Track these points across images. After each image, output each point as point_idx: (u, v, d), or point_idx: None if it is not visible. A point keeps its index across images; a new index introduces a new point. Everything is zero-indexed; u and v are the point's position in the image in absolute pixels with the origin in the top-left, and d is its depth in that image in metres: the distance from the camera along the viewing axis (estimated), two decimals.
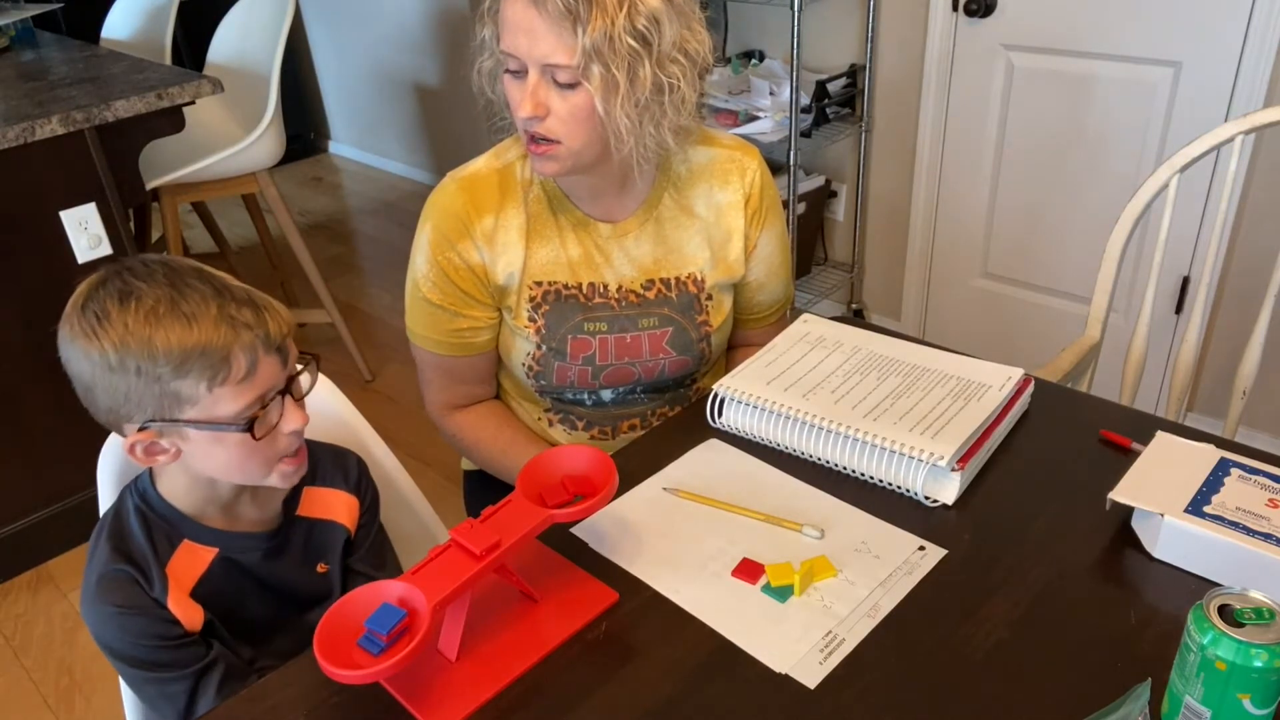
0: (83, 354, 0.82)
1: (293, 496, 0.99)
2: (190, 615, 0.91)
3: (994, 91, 2.33)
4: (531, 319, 1.15)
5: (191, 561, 0.92)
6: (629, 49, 0.96)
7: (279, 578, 0.97)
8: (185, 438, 0.85)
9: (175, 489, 0.92)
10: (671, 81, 1.02)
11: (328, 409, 1.12)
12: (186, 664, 0.90)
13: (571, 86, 0.98)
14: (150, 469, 0.93)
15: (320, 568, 0.99)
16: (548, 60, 0.97)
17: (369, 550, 1.04)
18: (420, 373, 1.24)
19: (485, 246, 1.13)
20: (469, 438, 1.25)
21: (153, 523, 0.92)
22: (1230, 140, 1.34)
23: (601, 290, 1.16)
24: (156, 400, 0.82)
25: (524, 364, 1.18)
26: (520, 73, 1.00)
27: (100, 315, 0.81)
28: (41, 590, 2.09)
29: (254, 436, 0.85)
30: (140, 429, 0.84)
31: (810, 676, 0.78)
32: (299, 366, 0.90)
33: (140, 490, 0.93)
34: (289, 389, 0.88)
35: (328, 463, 1.02)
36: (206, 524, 0.93)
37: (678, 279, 1.18)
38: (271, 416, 0.87)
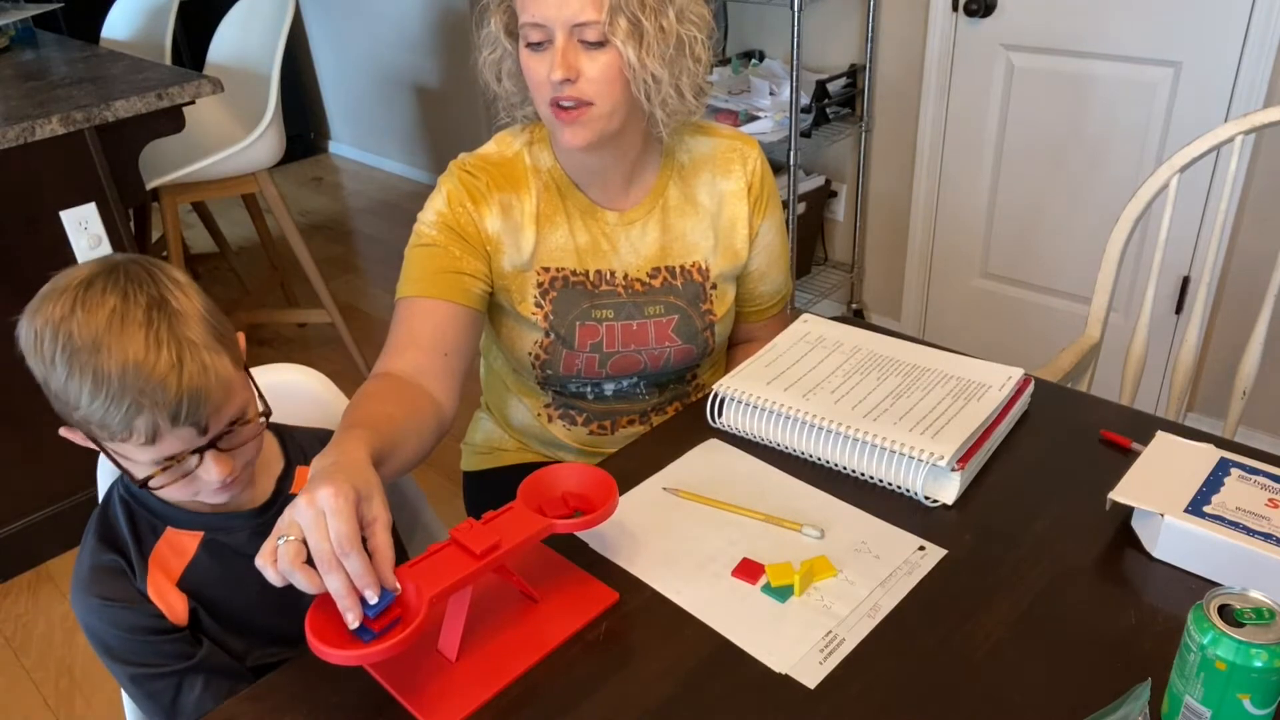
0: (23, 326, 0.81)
1: (285, 475, 0.98)
2: (174, 606, 0.90)
3: (994, 91, 2.33)
4: (539, 304, 1.15)
5: (177, 550, 0.92)
6: None
7: None
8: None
9: None
10: (690, 37, 1.05)
11: (327, 409, 1.12)
12: (171, 660, 0.89)
13: (600, 45, 1.00)
14: None
15: None
16: (577, 19, 0.99)
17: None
18: (385, 346, 1.08)
19: (502, 218, 1.12)
20: (361, 391, 1.01)
21: (136, 512, 0.92)
22: (1230, 140, 1.34)
23: (608, 278, 1.17)
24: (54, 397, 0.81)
25: (531, 353, 1.18)
26: (543, 44, 1.01)
27: (49, 293, 0.81)
28: (41, 590, 2.10)
29: (151, 490, 0.84)
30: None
31: (810, 676, 0.78)
32: (241, 422, 0.85)
33: (125, 481, 0.93)
34: (215, 444, 0.83)
35: (316, 445, 1.01)
36: (191, 509, 0.92)
37: (683, 267, 1.19)
38: (181, 469, 0.84)
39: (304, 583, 0.72)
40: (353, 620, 0.72)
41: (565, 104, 1.02)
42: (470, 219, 1.11)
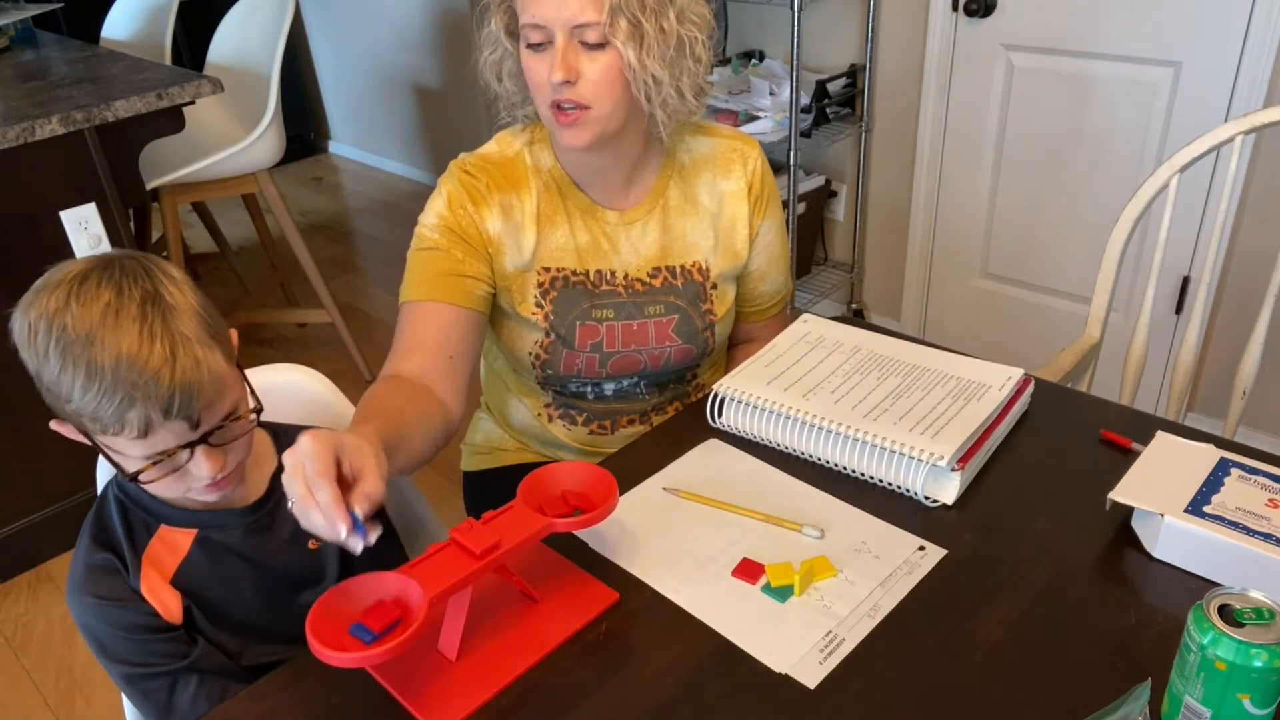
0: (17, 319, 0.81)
1: (279, 473, 0.97)
2: (168, 604, 0.90)
3: (994, 91, 2.33)
4: (539, 304, 1.15)
5: (170, 548, 0.92)
6: (654, 0, 1.00)
7: (267, 554, 0.95)
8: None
9: None
10: (690, 37, 1.05)
11: (327, 409, 1.12)
12: (165, 660, 0.89)
13: (600, 46, 1.00)
14: None
15: (312, 544, 0.97)
16: (577, 20, 0.99)
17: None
18: (391, 350, 1.09)
19: (503, 219, 1.12)
20: (368, 393, 1.02)
21: (131, 511, 0.92)
22: (1230, 140, 1.34)
23: (609, 277, 1.17)
24: (46, 390, 0.81)
25: (531, 353, 1.18)
26: (544, 45, 1.01)
27: (43, 287, 0.80)
28: (41, 590, 2.09)
29: (141, 484, 0.84)
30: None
31: (810, 676, 0.78)
32: (233, 418, 0.85)
33: (119, 480, 0.93)
34: (207, 439, 0.83)
35: None
36: (185, 506, 0.92)
37: (683, 267, 1.19)
38: (172, 463, 0.84)
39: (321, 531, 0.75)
40: (343, 532, 0.73)
41: (565, 106, 1.03)
42: (471, 220, 1.11)
